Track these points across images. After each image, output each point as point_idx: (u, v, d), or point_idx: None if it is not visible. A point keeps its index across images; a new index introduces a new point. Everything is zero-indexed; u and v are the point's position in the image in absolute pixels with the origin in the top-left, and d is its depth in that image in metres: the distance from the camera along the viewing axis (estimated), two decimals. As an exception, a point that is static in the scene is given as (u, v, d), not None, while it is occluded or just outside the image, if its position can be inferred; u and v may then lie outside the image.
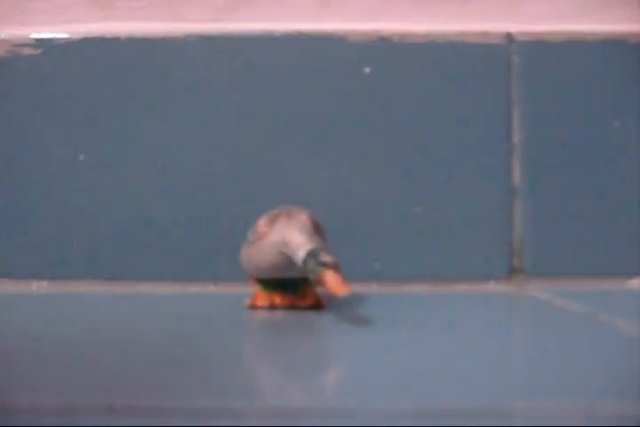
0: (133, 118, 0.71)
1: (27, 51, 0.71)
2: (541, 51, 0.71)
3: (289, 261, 0.53)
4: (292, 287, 0.56)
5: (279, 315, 0.55)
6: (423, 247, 0.70)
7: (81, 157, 0.71)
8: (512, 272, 0.70)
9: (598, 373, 0.37)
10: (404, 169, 0.71)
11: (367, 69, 0.71)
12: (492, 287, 0.70)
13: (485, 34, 0.71)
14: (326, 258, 0.49)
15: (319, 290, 0.56)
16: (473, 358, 0.41)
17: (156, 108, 0.71)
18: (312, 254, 0.50)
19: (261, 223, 0.56)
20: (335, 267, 0.49)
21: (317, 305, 0.57)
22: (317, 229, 0.56)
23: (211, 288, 0.70)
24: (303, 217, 0.55)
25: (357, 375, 0.38)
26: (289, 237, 0.53)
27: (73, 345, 0.44)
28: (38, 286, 0.70)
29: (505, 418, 0.31)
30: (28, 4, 0.72)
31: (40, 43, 0.71)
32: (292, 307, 0.57)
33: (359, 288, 0.66)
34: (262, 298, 0.57)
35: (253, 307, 0.57)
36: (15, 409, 0.31)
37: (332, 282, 0.48)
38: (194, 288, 0.70)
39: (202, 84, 0.71)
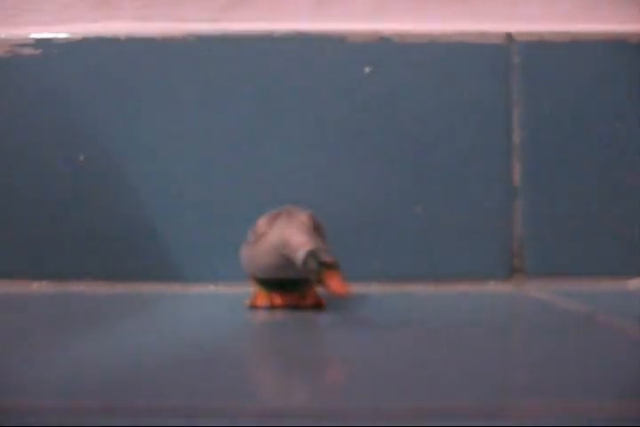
0: (133, 118, 0.71)
1: (27, 51, 0.71)
2: (541, 51, 0.71)
3: (289, 261, 0.53)
4: (291, 287, 0.56)
5: (279, 315, 0.55)
6: (423, 247, 0.70)
7: (81, 157, 0.71)
8: (512, 272, 0.70)
9: (598, 373, 0.37)
10: (405, 169, 0.71)
11: (367, 69, 0.71)
12: (492, 287, 0.70)
13: (485, 34, 0.71)
14: (326, 258, 0.49)
15: (319, 290, 0.56)
16: (473, 357, 0.41)
17: (157, 107, 0.71)
18: (312, 255, 0.50)
19: (261, 223, 0.56)
20: (335, 267, 0.49)
21: (317, 305, 0.57)
22: (317, 229, 0.56)
23: (211, 288, 0.70)
24: (303, 217, 0.55)
25: (357, 376, 0.38)
26: (289, 237, 0.53)
27: (72, 345, 0.44)
28: (38, 286, 0.70)
29: (505, 418, 0.31)
30: (28, 4, 0.72)
31: (40, 43, 0.71)
32: (292, 307, 0.57)
33: (359, 288, 0.67)
34: (262, 298, 0.57)
35: (253, 307, 0.57)
36: (15, 409, 0.31)
37: (333, 282, 0.48)
38: (194, 288, 0.70)
39: (202, 83, 0.71)
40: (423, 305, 0.62)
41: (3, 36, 0.71)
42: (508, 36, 0.71)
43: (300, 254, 0.51)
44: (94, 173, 0.71)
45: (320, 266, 0.49)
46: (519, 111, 0.71)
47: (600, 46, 0.71)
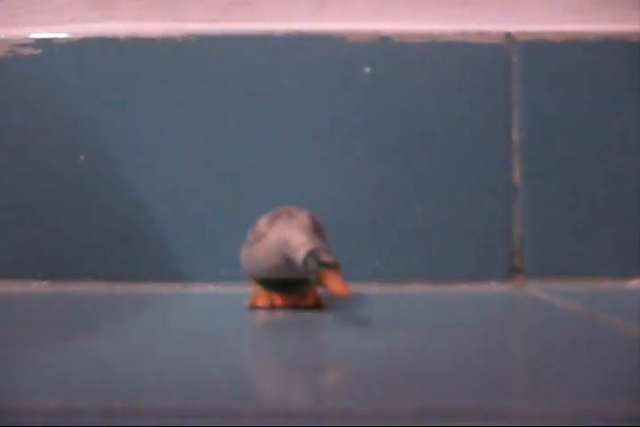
0: (133, 118, 0.71)
1: (27, 51, 0.71)
2: (541, 51, 0.71)
3: (289, 261, 0.53)
4: (291, 287, 0.56)
5: (279, 315, 0.55)
6: (423, 247, 0.70)
7: (81, 157, 0.71)
8: (512, 272, 0.70)
9: (598, 373, 0.37)
10: (405, 169, 0.71)
11: (367, 69, 0.71)
12: (492, 287, 0.70)
13: (485, 34, 0.71)
14: (326, 258, 0.49)
15: (319, 290, 0.56)
16: (473, 358, 0.41)
17: (156, 108, 0.71)
18: (312, 254, 0.50)
19: (261, 223, 0.56)
20: (335, 267, 0.49)
21: (317, 305, 0.57)
22: (317, 229, 0.55)
23: (211, 288, 0.70)
24: (303, 217, 0.55)
25: (357, 376, 0.38)
26: (289, 237, 0.53)
27: (72, 345, 0.44)
28: (38, 286, 0.70)
29: (505, 418, 0.31)
30: (28, 4, 0.72)
31: (40, 43, 0.71)
32: (293, 307, 0.57)
33: (359, 288, 0.67)
34: (262, 298, 0.57)
35: (253, 307, 0.57)
36: (15, 409, 0.31)
37: (332, 282, 0.48)
38: (194, 288, 0.70)
39: (202, 84, 0.71)
40: (423, 305, 0.62)
41: (3, 36, 0.71)
42: (508, 36, 0.71)
43: (299, 254, 0.51)
44: (94, 173, 0.70)
45: (320, 266, 0.49)
46: (519, 111, 0.71)
47: (600, 46, 0.71)
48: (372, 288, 0.69)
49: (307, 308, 0.57)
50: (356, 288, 0.50)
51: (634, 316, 0.54)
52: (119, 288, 0.69)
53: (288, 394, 0.34)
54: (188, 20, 0.73)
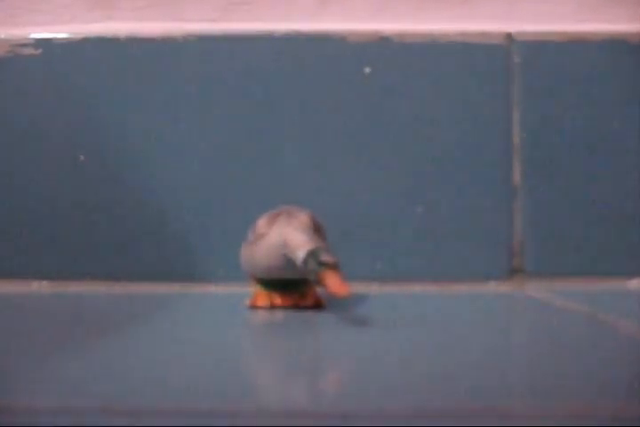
0: (133, 118, 0.71)
1: (27, 51, 0.71)
2: (541, 51, 0.71)
3: (289, 261, 0.53)
4: (291, 287, 0.56)
5: (279, 315, 0.55)
6: (423, 247, 0.70)
7: (81, 157, 0.71)
8: (512, 272, 0.70)
9: (598, 373, 0.37)
10: (405, 169, 0.71)
11: (367, 69, 0.71)
12: (492, 287, 0.70)
13: (485, 34, 0.71)
14: (326, 258, 0.49)
15: (319, 290, 0.56)
16: (473, 358, 0.41)
17: (156, 108, 0.71)
18: (312, 254, 0.50)
19: (261, 223, 0.56)
20: (335, 267, 0.49)
21: (317, 305, 0.57)
22: (317, 229, 0.55)
23: (211, 288, 0.70)
24: (303, 217, 0.55)
25: (357, 376, 0.38)
26: (289, 237, 0.53)
27: (72, 345, 0.44)
28: (38, 286, 0.70)
29: (505, 418, 0.31)
30: (28, 4, 0.72)
31: (40, 43, 0.71)
32: (293, 307, 0.57)
33: (359, 288, 0.67)
34: (262, 298, 0.57)
35: (253, 307, 0.57)
36: (15, 409, 0.31)
37: (332, 282, 0.48)
38: (194, 288, 0.70)
39: (202, 84, 0.71)
40: (423, 305, 0.62)
41: (3, 36, 0.71)
42: (508, 36, 0.71)
43: (299, 254, 0.51)
44: (94, 173, 0.70)
45: (320, 266, 0.49)
46: (519, 111, 0.71)
47: (600, 46, 0.71)
48: (372, 288, 0.69)
49: (307, 308, 0.57)
50: (355, 288, 0.50)
51: (634, 316, 0.55)
52: (119, 288, 0.69)
53: (288, 394, 0.34)
54: (188, 20, 0.73)
